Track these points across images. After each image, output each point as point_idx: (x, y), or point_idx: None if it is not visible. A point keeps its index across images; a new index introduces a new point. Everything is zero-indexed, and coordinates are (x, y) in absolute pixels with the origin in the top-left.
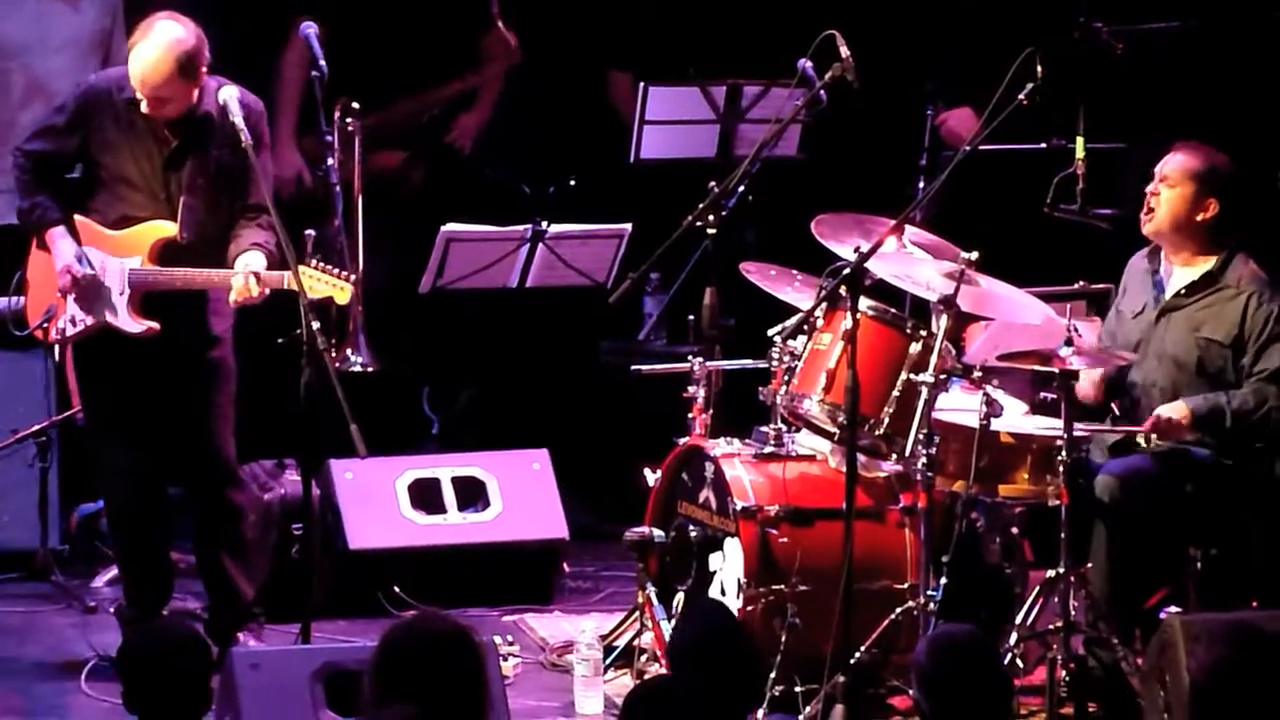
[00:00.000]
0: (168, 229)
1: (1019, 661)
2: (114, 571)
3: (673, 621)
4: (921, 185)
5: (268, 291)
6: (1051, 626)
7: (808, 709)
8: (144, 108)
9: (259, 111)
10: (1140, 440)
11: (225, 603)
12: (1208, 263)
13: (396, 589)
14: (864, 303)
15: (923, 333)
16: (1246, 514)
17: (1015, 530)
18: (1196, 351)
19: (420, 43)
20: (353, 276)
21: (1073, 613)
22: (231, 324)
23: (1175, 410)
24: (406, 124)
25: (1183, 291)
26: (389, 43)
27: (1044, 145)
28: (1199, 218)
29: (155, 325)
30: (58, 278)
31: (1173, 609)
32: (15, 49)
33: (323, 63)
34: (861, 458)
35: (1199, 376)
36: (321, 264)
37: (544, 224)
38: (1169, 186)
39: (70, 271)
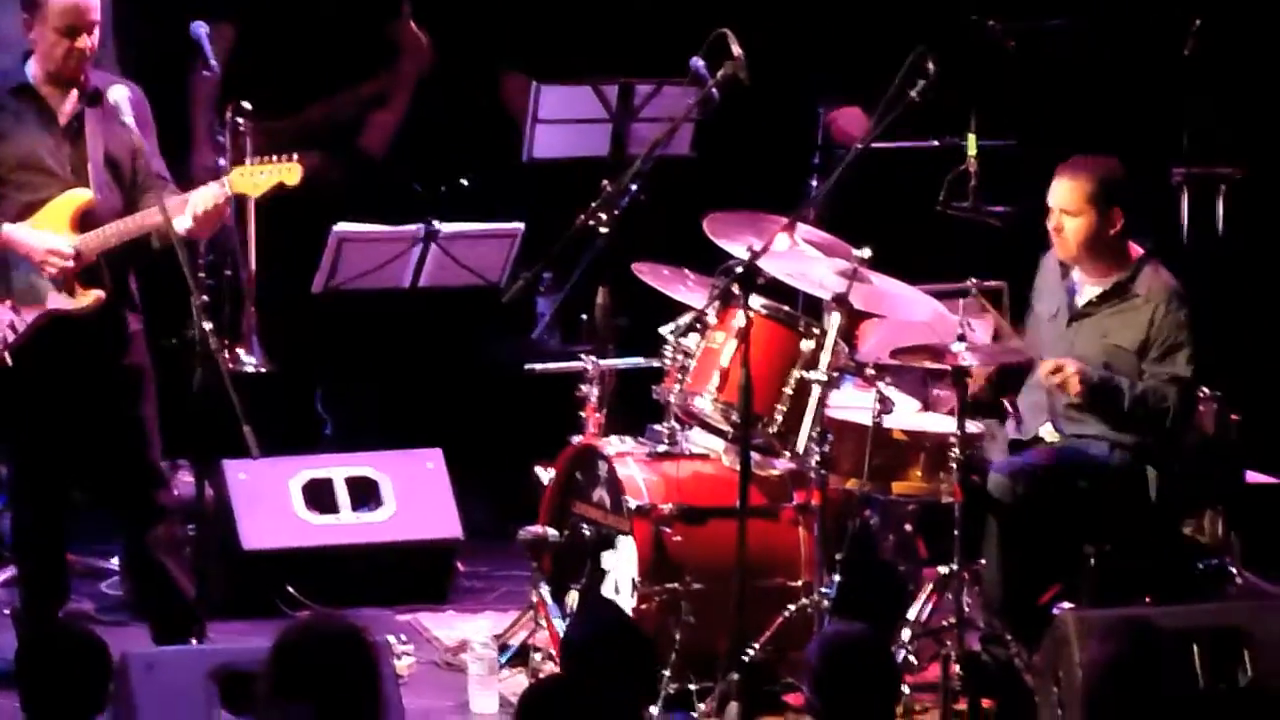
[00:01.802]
0: (82, 195)
1: (912, 658)
2: (10, 573)
3: (567, 620)
4: (814, 183)
5: (226, 210)
6: (945, 623)
7: (702, 706)
8: (80, 46)
9: (141, 96)
10: (1042, 434)
11: (169, 604)
12: (1120, 273)
13: (291, 589)
14: (756, 301)
15: (815, 330)
16: (1140, 511)
17: (909, 527)
18: (1104, 357)
19: (331, 42)
20: (295, 155)
21: (966, 609)
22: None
23: (1075, 366)
24: (322, 126)
25: (1094, 300)
26: (301, 44)
27: (936, 143)
28: (1111, 232)
29: (101, 293)
30: (45, 266)
31: (1066, 605)
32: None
33: (213, 62)
34: (755, 455)
35: None
36: (259, 158)
37: (436, 224)
38: (1072, 216)
39: (57, 254)
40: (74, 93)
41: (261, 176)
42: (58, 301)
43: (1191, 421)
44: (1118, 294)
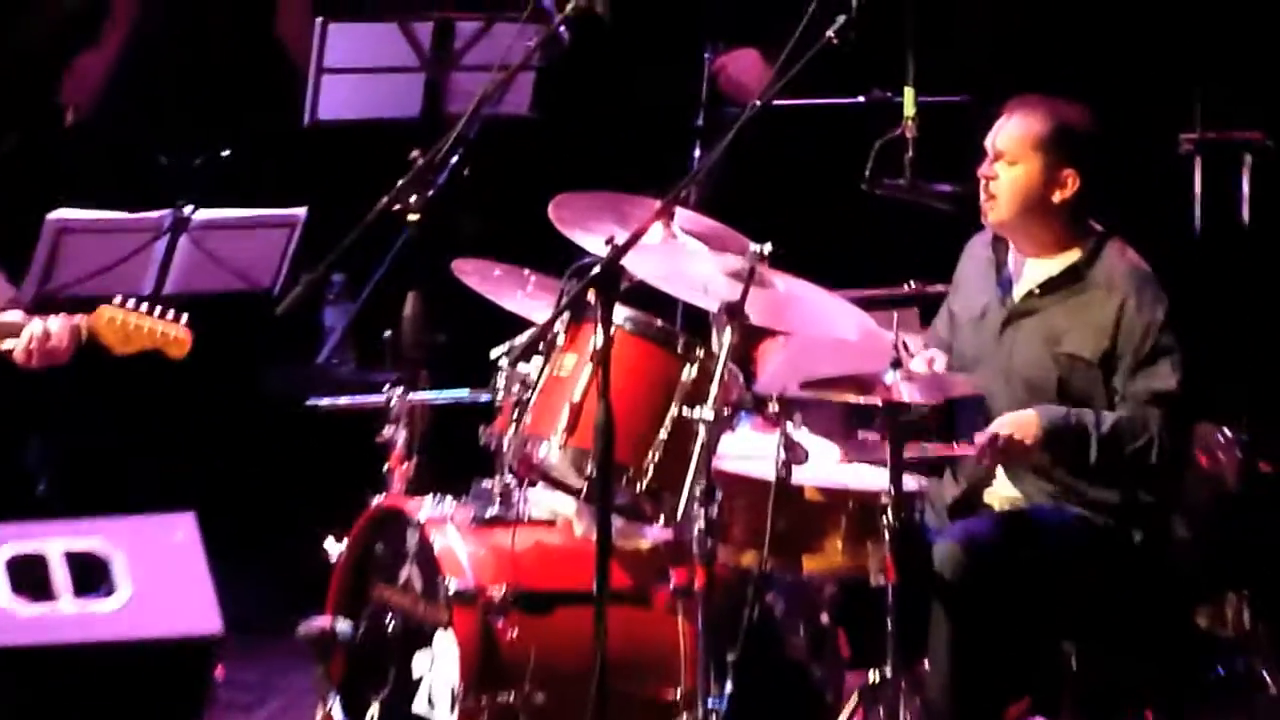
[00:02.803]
0: None
1: None
2: None
3: None
4: (697, 154)
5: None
6: None
7: None
8: None
9: None
10: (989, 496)
11: None
12: (1071, 254)
13: None
14: (620, 313)
15: (699, 352)
16: (1136, 595)
17: (826, 618)
18: (1056, 371)
19: None
20: (184, 318)
21: None
22: None
23: (1021, 425)
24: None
25: (1036, 291)
26: None
27: (862, 99)
28: (1056, 198)
29: None
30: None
31: None
32: None
33: None
34: (617, 522)
35: (1061, 404)
36: (134, 303)
37: (188, 209)
38: (1009, 164)
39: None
40: None
41: (135, 331)
42: None
43: (1187, 456)
44: (1069, 281)
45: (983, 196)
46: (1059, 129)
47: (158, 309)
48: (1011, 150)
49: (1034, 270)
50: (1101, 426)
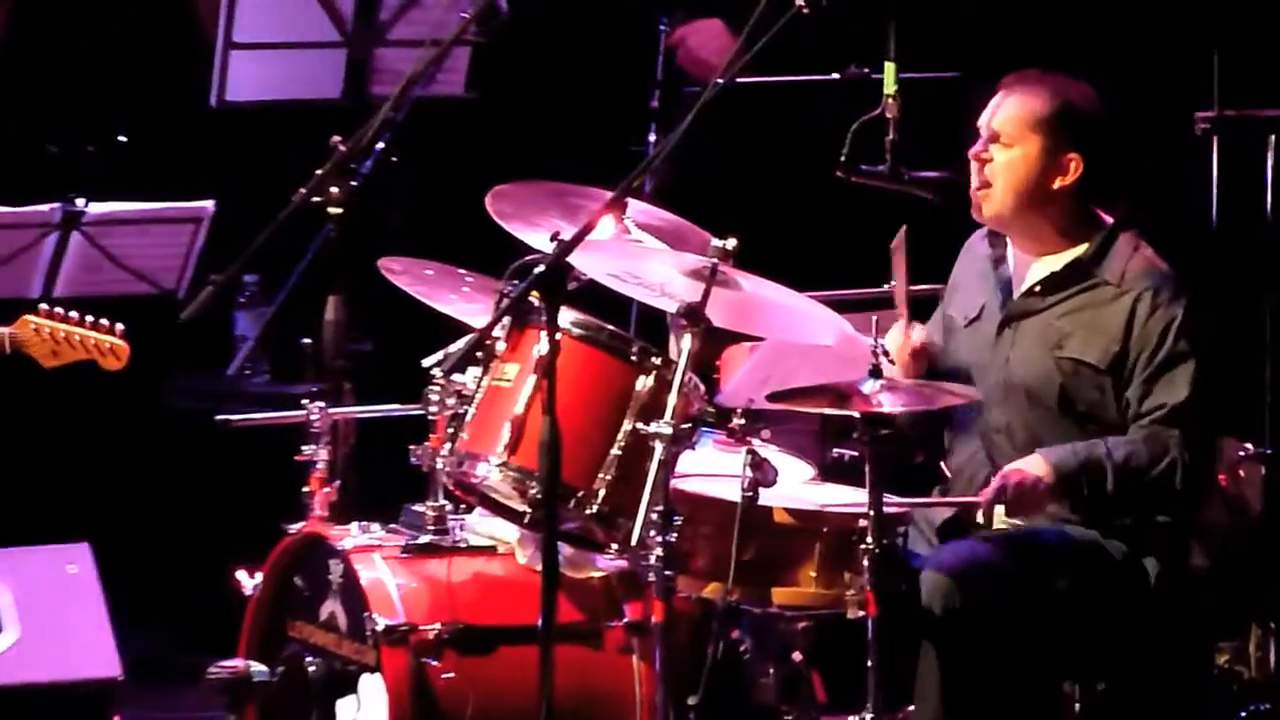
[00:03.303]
0: None
1: None
2: None
3: None
4: (653, 138)
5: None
6: None
7: None
8: None
9: None
10: (979, 517)
11: None
12: (1077, 249)
13: None
14: (567, 316)
15: (656, 361)
16: (1148, 629)
17: (798, 656)
18: (1058, 378)
19: None
20: (119, 327)
21: None
22: None
23: (1031, 467)
24: None
25: (1038, 288)
26: None
27: (837, 75)
28: (1056, 184)
29: None
30: None
31: None
32: None
33: None
34: (565, 550)
35: (1064, 415)
36: (63, 311)
37: (81, 202)
38: (1005, 146)
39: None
40: None
41: (65, 341)
42: None
43: (1211, 474)
44: (1074, 278)
45: (974, 184)
46: (1061, 109)
47: (89, 317)
48: (1008, 132)
49: (1037, 266)
50: (1114, 455)
